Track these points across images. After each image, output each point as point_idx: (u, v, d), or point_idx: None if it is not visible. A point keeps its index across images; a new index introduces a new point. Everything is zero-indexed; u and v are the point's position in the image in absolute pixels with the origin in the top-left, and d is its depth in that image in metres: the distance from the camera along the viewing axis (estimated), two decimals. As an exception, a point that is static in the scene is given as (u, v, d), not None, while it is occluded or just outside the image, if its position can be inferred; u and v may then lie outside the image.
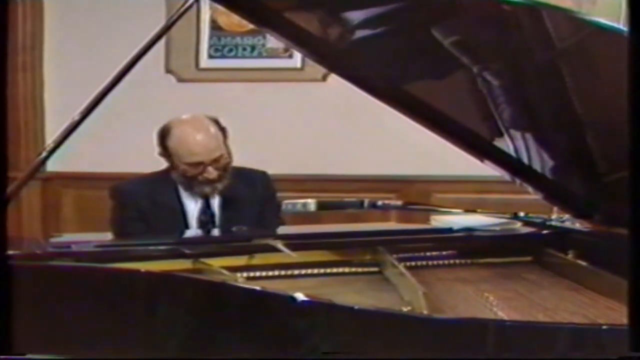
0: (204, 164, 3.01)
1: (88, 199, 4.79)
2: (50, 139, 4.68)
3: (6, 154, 1.64)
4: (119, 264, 2.05)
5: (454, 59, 2.09)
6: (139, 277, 1.88)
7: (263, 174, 3.28)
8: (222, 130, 3.10)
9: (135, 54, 2.25)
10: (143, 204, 3.05)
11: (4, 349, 1.66)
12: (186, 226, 3.07)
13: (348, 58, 2.22)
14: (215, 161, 3.03)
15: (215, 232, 3.06)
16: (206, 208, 3.10)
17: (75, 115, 2.18)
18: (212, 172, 3.02)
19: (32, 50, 4.88)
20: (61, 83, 4.87)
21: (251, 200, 3.15)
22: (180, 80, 4.83)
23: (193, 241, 2.64)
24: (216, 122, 3.10)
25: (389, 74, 2.25)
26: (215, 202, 3.12)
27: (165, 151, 3.07)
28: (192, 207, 3.09)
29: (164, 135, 3.08)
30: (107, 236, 2.81)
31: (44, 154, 2.21)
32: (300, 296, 1.73)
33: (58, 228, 4.81)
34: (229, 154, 3.09)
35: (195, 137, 3.03)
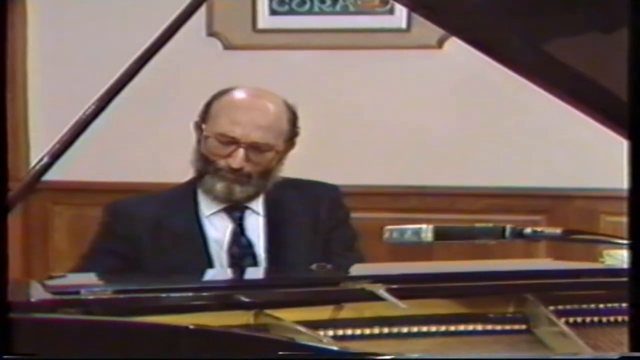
0: (237, 144, 3.07)
1: (89, 220, 4.84)
2: (34, 134, 4.84)
3: (6, 164, 1.73)
4: (153, 317, 2.14)
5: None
6: (186, 336, 1.96)
7: (332, 188, 3.36)
8: (294, 125, 3.20)
9: (173, 21, 2.28)
10: (139, 231, 3.14)
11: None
12: (209, 263, 3.13)
13: (475, 15, 2.22)
14: (254, 147, 3.09)
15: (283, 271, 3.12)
16: (240, 235, 3.18)
17: (91, 104, 2.24)
18: (238, 159, 3.07)
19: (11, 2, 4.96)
20: (53, 53, 4.97)
21: (310, 225, 3.24)
22: (229, 47, 4.91)
23: (253, 284, 2.71)
24: (293, 112, 3.20)
25: (536, 37, 2.24)
26: (254, 227, 3.20)
27: (204, 117, 3.19)
28: (219, 234, 3.17)
29: (217, 95, 3.21)
30: (126, 276, 2.90)
31: (45, 159, 2.26)
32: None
33: (47, 263, 4.91)
34: (280, 158, 3.17)
35: (247, 104, 3.16)
